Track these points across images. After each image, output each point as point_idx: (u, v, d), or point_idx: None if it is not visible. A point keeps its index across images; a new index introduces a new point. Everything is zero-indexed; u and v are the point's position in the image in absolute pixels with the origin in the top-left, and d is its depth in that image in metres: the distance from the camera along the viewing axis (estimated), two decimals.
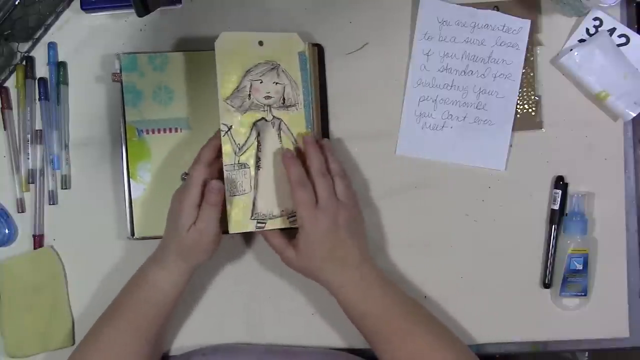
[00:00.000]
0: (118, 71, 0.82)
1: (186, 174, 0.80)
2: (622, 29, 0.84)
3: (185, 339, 0.84)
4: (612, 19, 0.84)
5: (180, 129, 0.83)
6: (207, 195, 0.74)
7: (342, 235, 0.75)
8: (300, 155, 0.78)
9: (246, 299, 0.84)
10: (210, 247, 0.76)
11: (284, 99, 0.78)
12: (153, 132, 0.82)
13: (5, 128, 0.84)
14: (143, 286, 0.76)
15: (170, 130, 0.82)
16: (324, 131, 0.84)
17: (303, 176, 0.75)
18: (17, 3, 0.78)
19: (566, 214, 0.83)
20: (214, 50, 0.81)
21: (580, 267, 0.82)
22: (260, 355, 0.81)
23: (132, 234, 0.82)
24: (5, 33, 0.80)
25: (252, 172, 0.77)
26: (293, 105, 0.79)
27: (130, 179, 0.82)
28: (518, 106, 0.84)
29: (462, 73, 0.84)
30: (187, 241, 0.74)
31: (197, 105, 0.83)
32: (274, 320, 0.84)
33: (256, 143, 0.77)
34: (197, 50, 0.83)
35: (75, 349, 0.77)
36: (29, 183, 0.84)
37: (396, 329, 0.74)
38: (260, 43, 0.78)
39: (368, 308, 0.75)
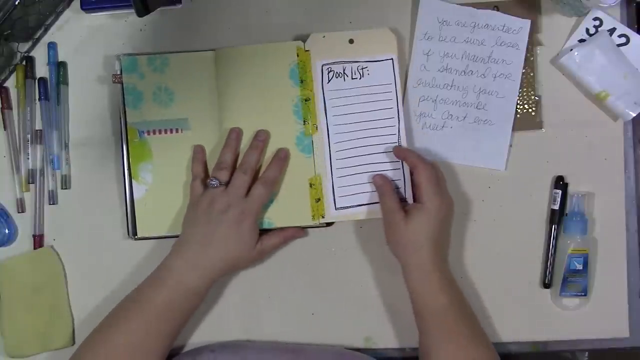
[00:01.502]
0: (118, 73, 0.82)
1: (214, 178, 0.78)
2: (622, 29, 0.84)
3: (183, 339, 0.84)
4: (612, 19, 0.84)
5: (182, 130, 0.83)
6: (291, 233, 0.81)
7: (446, 228, 0.80)
8: None
9: (245, 299, 0.84)
10: (256, 262, 0.82)
11: None
12: (154, 133, 0.82)
13: (5, 128, 0.84)
14: (173, 291, 0.75)
15: (172, 131, 0.82)
16: None
17: (423, 157, 0.80)
18: (17, 3, 0.78)
19: (566, 214, 0.83)
20: (213, 50, 0.82)
21: (580, 267, 0.82)
22: (269, 352, 0.81)
23: (135, 233, 0.82)
24: (5, 33, 0.80)
25: None
26: None
27: (133, 180, 0.82)
28: (518, 106, 0.84)
29: (462, 73, 0.84)
30: (245, 258, 0.78)
31: (197, 105, 0.83)
32: (273, 320, 0.84)
33: None
34: (197, 50, 0.83)
35: (84, 344, 0.75)
36: (29, 183, 0.84)
37: (456, 331, 0.75)
38: (351, 41, 0.82)
39: (440, 301, 0.76)
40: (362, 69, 0.83)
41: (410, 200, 0.81)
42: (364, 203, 0.82)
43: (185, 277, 0.75)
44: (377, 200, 0.81)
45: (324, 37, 0.83)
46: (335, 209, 0.82)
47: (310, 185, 0.82)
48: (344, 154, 0.82)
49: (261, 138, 0.81)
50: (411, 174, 0.81)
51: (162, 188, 0.82)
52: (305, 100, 0.82)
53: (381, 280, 0.83)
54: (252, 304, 0.84)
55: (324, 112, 0.83)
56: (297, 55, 0.82)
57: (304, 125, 0.82)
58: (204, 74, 0.83)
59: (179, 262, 0.76)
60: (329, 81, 0.83)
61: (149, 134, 0.82)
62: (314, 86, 0.83)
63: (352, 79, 0.83)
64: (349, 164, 0.82)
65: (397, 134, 0.82)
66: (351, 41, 0.83)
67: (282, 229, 0.82)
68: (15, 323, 0.83)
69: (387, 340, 0.84)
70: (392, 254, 0.79)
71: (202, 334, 0.84)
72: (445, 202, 0.78)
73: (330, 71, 0.83)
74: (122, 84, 0.82)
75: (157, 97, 0.82)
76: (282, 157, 0.81)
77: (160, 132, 0.82)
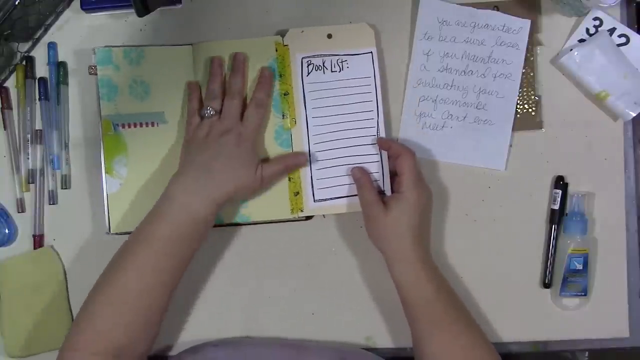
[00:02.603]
0: (95, 64, 0.82)
1: (208, 108, 0.78)
2: (622, 29, 0.84)
3: (182, 339, 0.84)
4: (612, 19, 0.84)
5: (157, 123, 0.82)
6: (292, 160, 0.80)
7: (427, 217, 0.79)
8: None
9: (246, 299, 0.84)
10: (257, 190, 0.80)
11: None
12: (129, 127, 0.82)
13: (5, 128, 0.84)
14: (178, 221, 0.73)
15: (147, 125, 0.82)
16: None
17: (407, 146, 0.80)
18: (17, 3, 0.78)
19: (566, 214, 0.83)
20: (191, 44, 0.82)
21: (580, 267, 0.82)
22: (272, 348, 0.80)
23: (109, 229, 0.81)
24: (5, 33, 0.80)
25: None
26: None
27: (106, 174, 0.81)
28: (518, 106, 0.84)
29: (462, 73, 0.84)
30: (246, 183, 0.77)
31: (173, 99, 0.83)
32: (273, 320, 0.84)
33: None
34: (174, 44, 0.83)
35: (94, 287, 0.73)
36: (29, 183, 0.84)
37: (446, 319, 0.75)
38: (329, 36, 0.83)
39: (427, 290, 0.75)
40: (342, 62, 0.83)
41: (388, 192, 0.82)
42: (343, 195, 0.82)
43: (188, 205, 0.74)
44: (356, 193, 0.81)
45: (302, 32, 0.83)
46: (314, 201, 0.82)
47: (289, 179, 0.82)
48: (323, 147, 0.83)
49: (240, 59, 0.81)
50: (391, 164, 0.81)
51: (137, 182, 0.81)
52: (284, 95, 0.83)
53: (381, 280, 0.83)
54: (253, 304, 0.84)
55: (303, 104, 0.83)
56: (276, 50, 0.83)
57: (282, 119, 0.83)
58: (181, 68, 0.83)
59: (180, 191, 0.75)
60: (309, 74, 0.83)
61: (123, 127, 0.82)
62: (293, 79, 0.83)
63: (332, 72, 0.83)
64: (327, 156, 0.83)
65: (376, 127, 0.83)
66: (329, 36, 0.83)
67: (283, 155, 0.82)
68: (15, 323, 0.83)
69: (387, 340, 0.84)
70: (375, 247, 0.79)
71: (202, 334, 0.84)
72: (424, 192, 0.78)
73: (310, 64, 0.83)
74: (97, 76, 0.82)
75: (133, 90, 0.82)
76: (266, 76, 0.82)
77: (135, 125, 0.82)
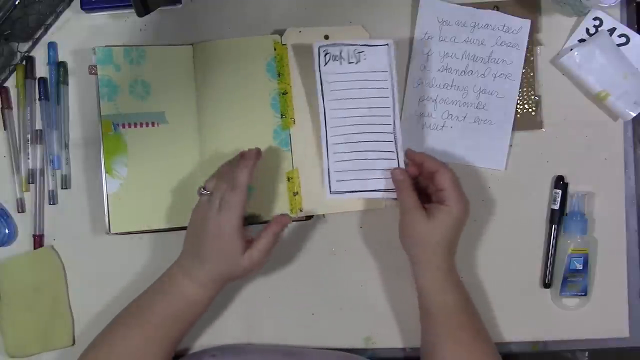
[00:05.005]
0: (95, 64, 0.82)
1: (203, 188, 0.75)
2: (622, 29, 0.84)
3: (182, 342, 0.83)
4: (612, 19, 0.84)
5: (157, 123, 0.82)
6: (275, 227, 0.75)
7: (462, 229, 0.78)
8: None
9: (245, 299, 0.84)
10: (254, 273, 0.77)
11: None
12: (129, 127, 0.82)
13: (5, 128, 0.84)
14: (174, 300, 0.74)
15: (147, 125, 0.82)
16: None
17: (440, 161, 0.78)
18: (17, 3, 0.78)
19: (566, 214, 0.83)
20: (191, 44, 0.82)
21: (580, 267, 0.82)
22: (271, 355, 0.80)
23: (109, 229, 0.81)
24: (5, 33, 0.80)
25: None
26: None
27: (106, 174, 0.81)
28: (518, 106, 0.84)
29: (462, 73, 0.84)
30: (235, 269, 0.74)
31: (174, 99, 0.83)
32: (273, 321, 0.84)
33: None
34: (175, 44, 0.83)
35: (87, 349, 0.74)
36: (29, 183, 0.84)
37: (461, 330, 0.75)
38: (326, 37, 0.82)
39: (449, 300, 0.76)
40: (359, 52, 0.81)
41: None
42: (358, 190, 0.80)
43: (184, 288, 0.74)
44: (371, 189, 0.79)
45: (300, 32, 0.83)
46: (330, 192, 0.79)
47: (288, 179, 0.82)
48: (340, 139, 0.80)
49: (251, 154, 0.77)
50: (426, 180, 0.79)
51: (136, 182, 0.81)
52: (283, 94, 0.83)
53: (381, 281, 0.83)
54: (252, 305, 0.84)
55: (320, 94, 0.80)
56: (275, 49, 0.83)
57: (281, 118, 0.82)
58: (181, 67, 0.83)
59: (178, 272, 0.75)
60: (326, 64, 0.80)
61: (124, 127, 0.82)
62: (292, 77, 0.83)
63: (349, 63, 0.81)
64: (344, 149, 0.80)
65: (393, 124, 0.80)
66: (326, 37, 0.83)
67: (266, 226, 0.76)
68: (15, 323, 0.83)
69: (386, 340, 0.84)
70: (404, 248, 0.78)
71: (203, 336, 0.84)
72: (466, 207, 0.77)
73: (327, 53, 0.81)
74: (97, 75, 0.81)
75: (134, 89, 0.82)
76: (246, 157, 0.77)
77: (135, 125, 0.82)
